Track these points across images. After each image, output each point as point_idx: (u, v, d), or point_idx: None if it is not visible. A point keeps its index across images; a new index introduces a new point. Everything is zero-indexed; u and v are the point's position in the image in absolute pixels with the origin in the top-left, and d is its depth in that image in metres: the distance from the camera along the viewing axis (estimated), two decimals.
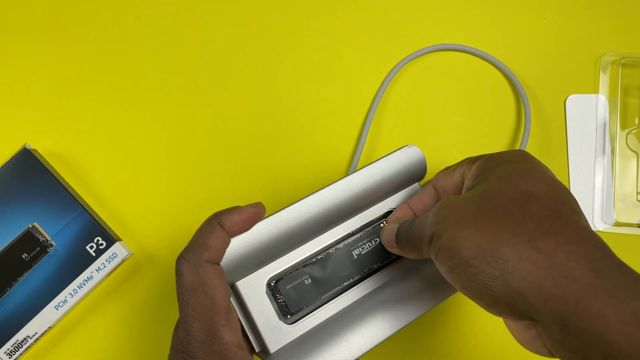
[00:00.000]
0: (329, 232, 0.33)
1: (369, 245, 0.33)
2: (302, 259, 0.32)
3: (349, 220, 0.33)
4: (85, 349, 0.40)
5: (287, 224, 0.30)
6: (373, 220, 0.34)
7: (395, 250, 0.31)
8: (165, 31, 0.43)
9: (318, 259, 0.32)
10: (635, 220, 0.41)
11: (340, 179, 0.31)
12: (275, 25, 0.43)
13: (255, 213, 0.29)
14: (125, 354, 0.40)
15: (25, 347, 0.38)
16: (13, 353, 0.38)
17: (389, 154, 0.32)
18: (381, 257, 0.33)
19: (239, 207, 0.29)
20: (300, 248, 0.32)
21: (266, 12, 0.44)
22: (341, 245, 0.33)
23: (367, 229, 0.33)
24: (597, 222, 0.42)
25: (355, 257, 0.33)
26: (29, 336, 0.38)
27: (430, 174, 0.42)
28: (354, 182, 0.32)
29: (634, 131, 0.42)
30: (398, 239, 0.30)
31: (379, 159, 0.32)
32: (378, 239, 0.33)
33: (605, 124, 0.43)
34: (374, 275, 0.33)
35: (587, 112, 0.43)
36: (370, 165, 0.32)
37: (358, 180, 0.32)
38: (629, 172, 0.42)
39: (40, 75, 0.42)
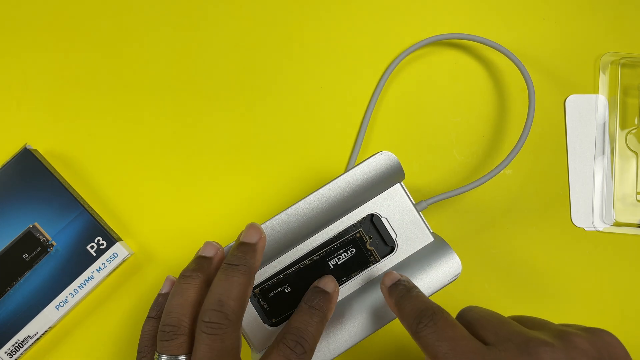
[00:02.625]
0: (309, 240, 0.34)
1: (344, 255, 0.34)
2: (282, 268, 0.34)
3: (327, 228, 0.34)
4: (85, 349, 0.40)
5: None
6: (350, 227, 0.34)
7: (384, 295, 0.31)
8: (165, 32, 0.43)
9: (297, 270, 0.34)
10: (634, 220, 0.42)
11: (313, 192, 0.33)
12: (273, 27, 0.43)
13: (221, 259, 0.32)
14: (126, 353, 0.40)
15: (26, 347, 0.38)
16: (14, 353, 0.38)
17: (361, 163, 0.33)
18: (355, 267, 0.34)
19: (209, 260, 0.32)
20: (282, 257, 0.34)
21: (265, 16, 0.44)
22: (318, 256, 0.34)
23: (343, 239, 0.34)
24: (597, 222, 0.42)
25: (332, 267, 0.34)
26: (29, 336, 0.38)
27: (430, 174, 0.42)
28: (327, 194, 0.33)
29: (633, 131, 0.42)
30: (390, 293, 0.30)
31: (351, 169, 0.33)
32: (354, 249, 0.34)
33: (604, 124, 0.43)
34: (351, 280, 0.34)
35: (587, 112, 0.43)
36: (342, 176, 0.33)
37: (331, 192, 0.33)
38: (628, 172, 0.42)
39: (40, 75, 0.42)
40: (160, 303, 0.33)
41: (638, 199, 0.42)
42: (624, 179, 0.42)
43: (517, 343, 0.26)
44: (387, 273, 0.32)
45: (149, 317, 0.32)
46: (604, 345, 0.27)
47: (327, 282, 0.32)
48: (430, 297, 0.33)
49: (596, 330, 0.28)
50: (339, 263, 0.34)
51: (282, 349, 0.28)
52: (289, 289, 0.34)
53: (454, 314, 0.34)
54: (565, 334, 0.27)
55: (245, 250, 0.31)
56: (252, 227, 0.32)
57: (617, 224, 0.41)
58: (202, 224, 0.41)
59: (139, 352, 0.31)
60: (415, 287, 0.30)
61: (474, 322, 0.28)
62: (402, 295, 0.29)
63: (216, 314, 0.28)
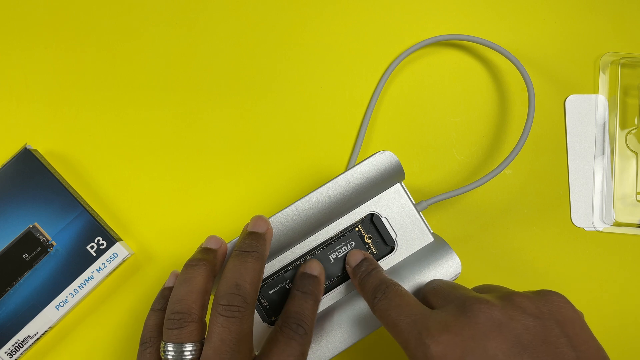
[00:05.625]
0: (310, 238, 0.34)
1: (344, 249, 0.34)
2: (283, 265, 0.34)
3: (327, 227, 0.34)
4: (85, 349, 0.40)
5: None
6: (349, 225, 0.34)
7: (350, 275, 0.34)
8: (165, 32, 0.43)
9: (298, 264, 0.34)
10: (634, 220, 0.42)
11: (313, 191, 0.33)
12: (273, 26, 0.44)
13: (224, 252, 0.32)
14: (126, 353, 0.40)
15: (26, 347, 0.38)
16: (14, 353, 0.38)
17: (361, 162, 0.33)
18: None
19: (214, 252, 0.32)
20: (282, 255, 0.34)
21: (265, 15, 0.44)
22: (318, 250, 0.34)
23: (343, 234, 0.34)
24: (597, 222, 0.42)
25: (332, 260, 0.34)
26: (29, 336, 0.38)
27: (430, 174, 0.42)
28: (327, 192, 0.33)
29: (633, 131, 0.42)
30: (354, 275, 0.33)
31: (351, 167, 0.33)
32: (353, 242, 0.34)
33: (604, 124, 0.43)
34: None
35: (587, 112, 0.43)
36: (342, 175, 0.33)
37: (331, 191, 0.33)
38: (628, 172, 0.42)
39: (40, 75, 0.42)
40: (166, 296, 0.32)
41: (638, 199, 0.42)
42: (623, 178, 0.42)
43: (457, 304, 0.27)
44: (351, 252, 0.34)
45: (153, 310, 0.32)
46: (547, 304, 0.27)
47: (313, 266, 0.33)
48: None
49: (545, 291, 0.28)
50: (339, 256, 0.34)
51: (285, 332, 0.29)
52: (290, 285, 0.34)
53: None
54: (509, 295, 0.28)
55: (256, 238, 0.31)
56: (260, 218, 0.32)
57: (617, 224, 0.41)
58: (203, 224, 0.41)
59: (142, 343, 0.31)
60: (377, 266, 0.32)
61: (429, 293, 0.31)
62: (363, 276, 0.32)
63: (234, 297, 0.28)
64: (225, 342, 0.27)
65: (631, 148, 0.42)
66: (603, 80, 0.43)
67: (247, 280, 0.29)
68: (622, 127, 0.43)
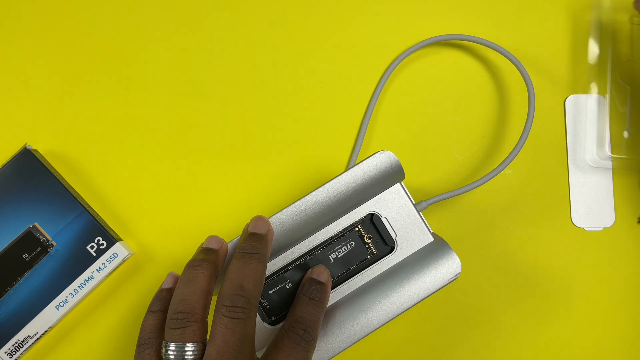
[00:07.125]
0: (310, 238, 0.34)
1: (344, 248, 0.34)
2: (283, 265, 0.34)
3: (328, 227, 0.34)
4: (85, 349, 0.40)
5: None
6: (349, 225, 0.34)
7: None
8: (165, 32, 0.43)
9: (298, 264, 0.34)
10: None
11: (312, 191, 0.33)
12: (273, 26, 0.44)
13: (225, 253, 0.32)
14: (127, 354, 0.40)
15: (26, 347, 0.38)
16: (14, 353, 0.38)
17: (361, 161, 0.33)
18: (356, 258, 0.34)
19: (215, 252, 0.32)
20: (281, 256, 0.34)
21: (265, 15, 0.44)
22: (318, 250, 0.34)
23: (343, 234, 0.34)
24: (597, 222, 0.42)
25: (333, 260, 0.34)
26: (29, 336, 0.38)
27: (430, 174, 0.42)
28: (327, 192, 0.33)
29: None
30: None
31: (351, 167, 0.33)
32: (353, 242, 0.34)
33: (604, 123, 0.43)
34: (352, 278, 0.34)
35: (587, 112, 0.43)
36: (342, 175, 0.33)
37: (330, 191, 0.33)
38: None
39: (40, 75, 0.42)
40: (164, 297, 0.32)
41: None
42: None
43: None
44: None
45: (150, 311, 0.32)
46: None
47: (321, 273, 0.33)
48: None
49: None
50: (339, 256, 0.34)
51: (292, 337, 0.29)
52: (290, 285, 0.34)
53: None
54: None
55: (258, 239, 0.31)
56: (260, 219, 0.32)
57: (617, 224, 0.41)
58: (202, 224, 0.41)
59: (139, 345, 0.30)
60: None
61: None
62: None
63: (239, 298, 0.28)
64: (229, 343, 0.27)
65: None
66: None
67: (251, 281, 0.29)
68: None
